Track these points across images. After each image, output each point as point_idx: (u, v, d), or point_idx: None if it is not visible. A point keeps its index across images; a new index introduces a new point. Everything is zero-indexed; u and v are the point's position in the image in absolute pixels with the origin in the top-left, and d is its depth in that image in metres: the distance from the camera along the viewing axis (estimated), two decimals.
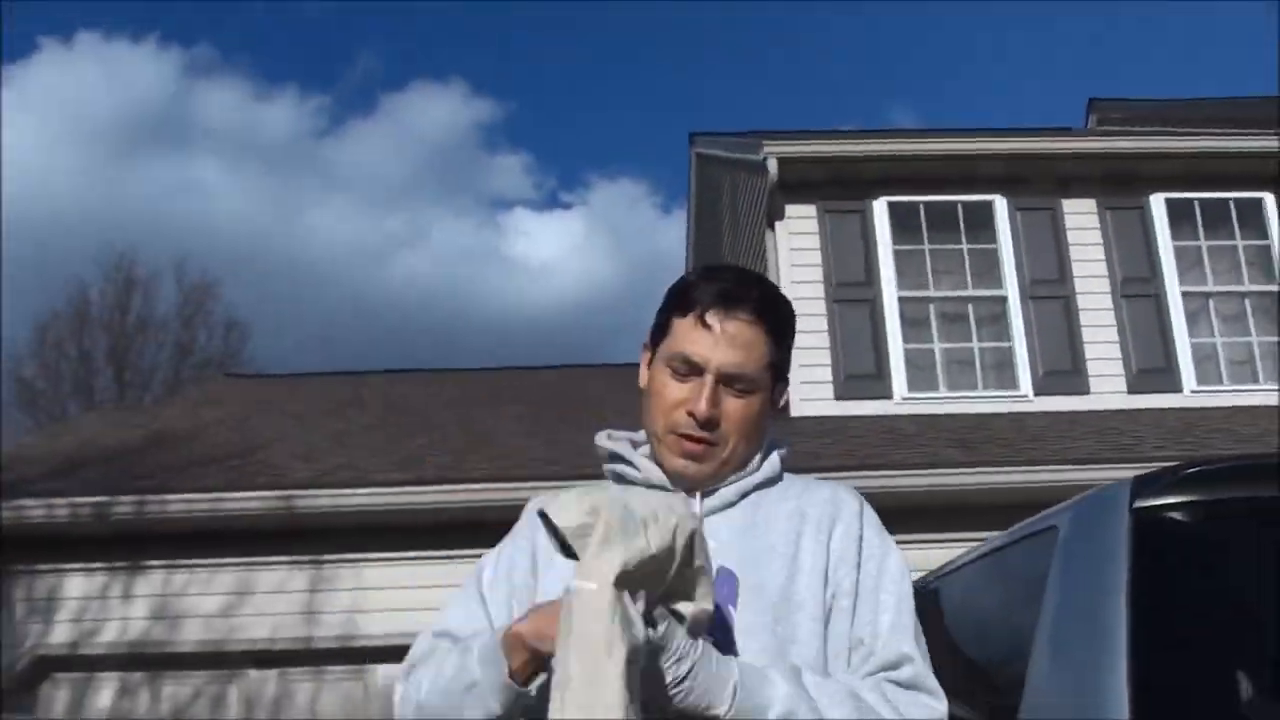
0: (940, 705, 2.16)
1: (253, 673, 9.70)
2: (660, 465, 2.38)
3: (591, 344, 57.09)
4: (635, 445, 2.48)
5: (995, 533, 8.14)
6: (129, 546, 9.56)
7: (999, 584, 3.41)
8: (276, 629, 9.47)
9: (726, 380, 2.31)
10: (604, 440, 2.51)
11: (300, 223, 60.53)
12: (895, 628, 2.22)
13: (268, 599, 9.51)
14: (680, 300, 2.38)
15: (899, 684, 2.16)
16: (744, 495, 2.35)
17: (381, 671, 9.61)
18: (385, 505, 9.34)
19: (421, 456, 10.30)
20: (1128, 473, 8.65)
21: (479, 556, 8.73)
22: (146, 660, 9.65)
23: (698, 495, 2.34)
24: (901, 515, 9.31)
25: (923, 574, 4.31)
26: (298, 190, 63.66)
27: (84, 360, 35.27)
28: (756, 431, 2.36)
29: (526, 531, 2.46)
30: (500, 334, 57.25)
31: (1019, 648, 2.85)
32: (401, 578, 9.42)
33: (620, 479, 2.43)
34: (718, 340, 2.30)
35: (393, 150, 71.70)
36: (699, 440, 2.31)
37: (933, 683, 2.18)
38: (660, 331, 2.42)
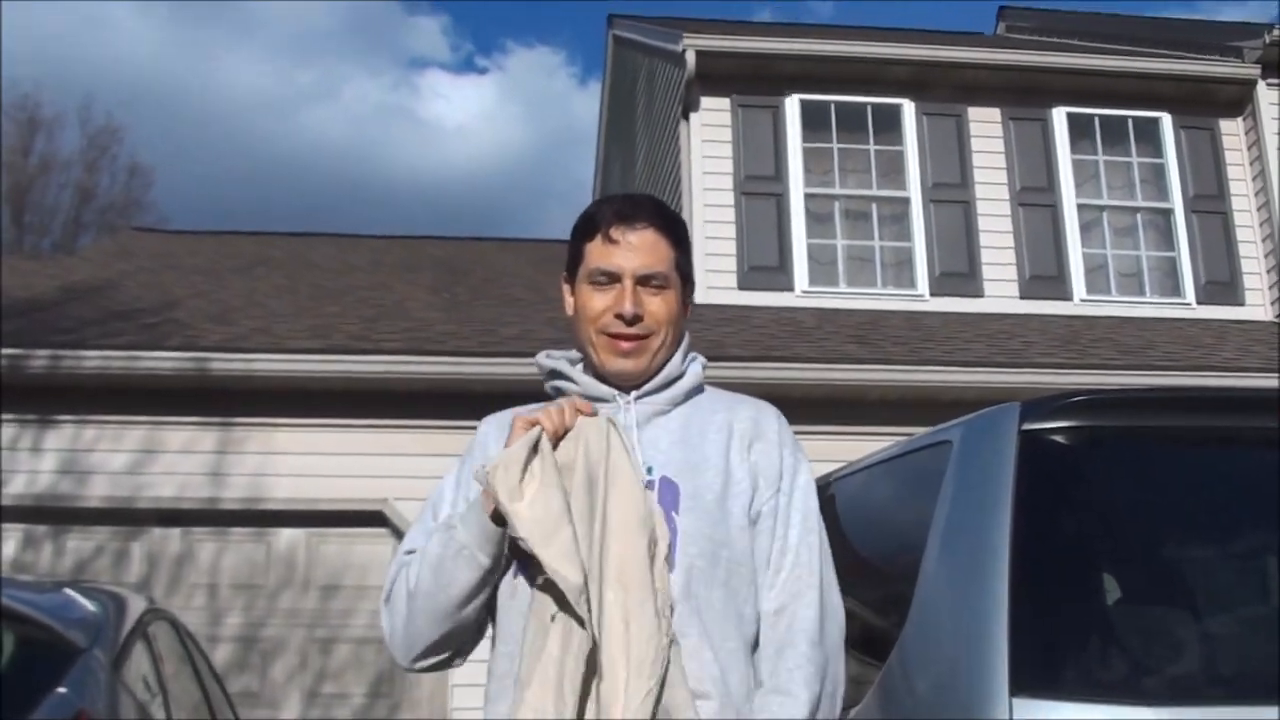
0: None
1: (157, 530, 9.84)
2: (599, 374, 2.66)
3: (502, 214, 56.82)
4: (572, 363, 2.75)
5: (889, 428, 8.56)
6: (40, 400, 9.59)
7: (897, 488, 3.69)
8: (183, 488, 9.60)
9: (642, 280, 2.61)
10: (543, 359, 2.79)
11: (211, 69, 59.39)
12: (802, 544, 2.55)
13: (175, 458, 9.62)
14: (586, 227, 2.70)
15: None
16: (676, 404, 2.64)
17: (284, 535, 9.83)
18: (296, 372, 9.46)
19: (333, 324, 10.42)
20: (1016, 377, 9.09)
21: (386, 426, 9.05)
22: (52, 514, 9.74)
23: (632, 401, 2.61)
24: (800, 407, 9.71)
25: (828, 467, 4.57)
26: (209, 35, 62.32)
27: None
28: (676, 326, 2.66)
29: (479, 452, 2.69)
30: (410, 197, 56.83)
31: (913, 546, 3.13)
32: (309, 443, 9.60)
33: (559, 393, 2.71)
34: (626, 249, 2.62)
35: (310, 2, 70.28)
36: (631, 338, 2.60)
37: (830, 597, 2.54)
38: (574, 260, 2.73)
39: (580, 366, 2.73)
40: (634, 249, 2.61)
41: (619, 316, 2.59)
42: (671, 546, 2.44)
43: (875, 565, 3.70)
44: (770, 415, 2.68)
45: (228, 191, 51.46)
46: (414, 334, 10.10)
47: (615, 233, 2.63)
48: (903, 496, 3.61)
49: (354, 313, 10.93)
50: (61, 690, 3.41)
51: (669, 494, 2.49)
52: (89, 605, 3.88)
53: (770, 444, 2.61)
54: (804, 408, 9.63)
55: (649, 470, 2.51)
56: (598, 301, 2.62)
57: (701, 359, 2.75)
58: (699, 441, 2.57)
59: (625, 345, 2.60)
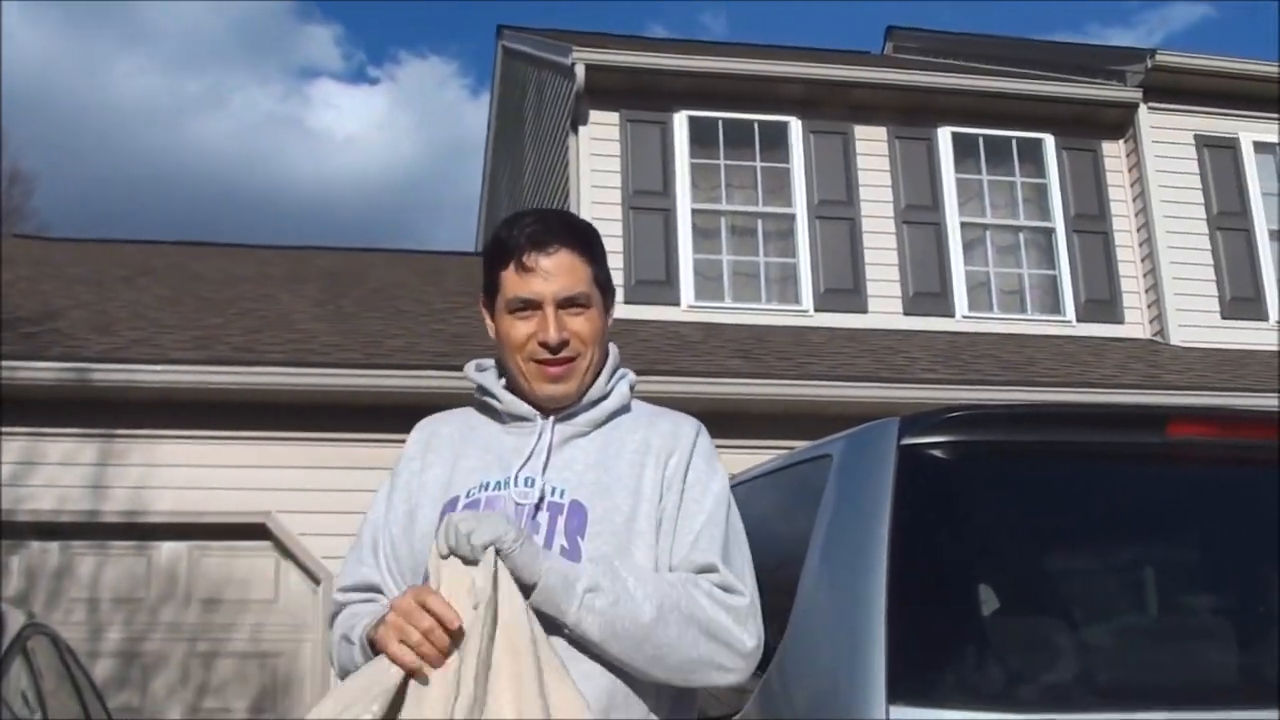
0: (743, 600, 2.47)
1: (35, 544, 9.68)
2: (529, 396, 2.64)
3: (391, 226, 56.46)
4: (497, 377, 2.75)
5: (773, 441, 8.64)
6: None
7: (778, 501, 3.74)
8: (63, 501, 9.45)
9: (563, 304, 2.58)
10: (472, 372, 2.79)
11: (97, 76, 58.46)
12: (702, 539, 2.51)
13: (55, 470, 9.47)
14: (498, 254, 2.65)
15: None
16: (596, 426, 2.63)
17: (166, 549, 9.71)
18: (180, 383, 9.38)
19: (217, 335, 10.32)
20: (899, 392, 9.25)
21: (270, 438, 8.94)
22: None
23: (551, 422, 2.61)
24: (713, 421, 9.78)
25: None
26: (97, 41, 61.36)
27: None
28: (601, 342, 2.65)
29: (405, 466, 2.72)
30: (299, 208, 56.32)
31: (793, 558, 3.19)
32: (192, 455, 9.51)
33: (485, 409, 2.72)
34: (543, 275, 2.58)
35: (200, 10, 69.44)
36: (558, 362, 2.58)
37: (740, 585, 2.49)
38: (491, 288, 2.70)
39: (503, 382, 2.72)
40: (550, 274, 2.58)
41: (543, 344, 2.57)
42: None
43: (756, 578, 3.75)
44: (688, 427, 2.68)
45: (112, 200, 50.69)
46: (298, 345, 10.04)
47: (529, 259, 2.59)
48: (784, 509, 3.66)
49: (238, 324, 10.83)
50: None
51: (576, 518, 2.50)
52: None
53: (682, 454, 2.60)
54: (714, 420, 9.74)
55: (560, 493, 2.52)
56: (520, 330, 2.60)
57: (631, 376, 2.76)
58: (614, 462, 2.57)
59: (554, 370, 2.59)
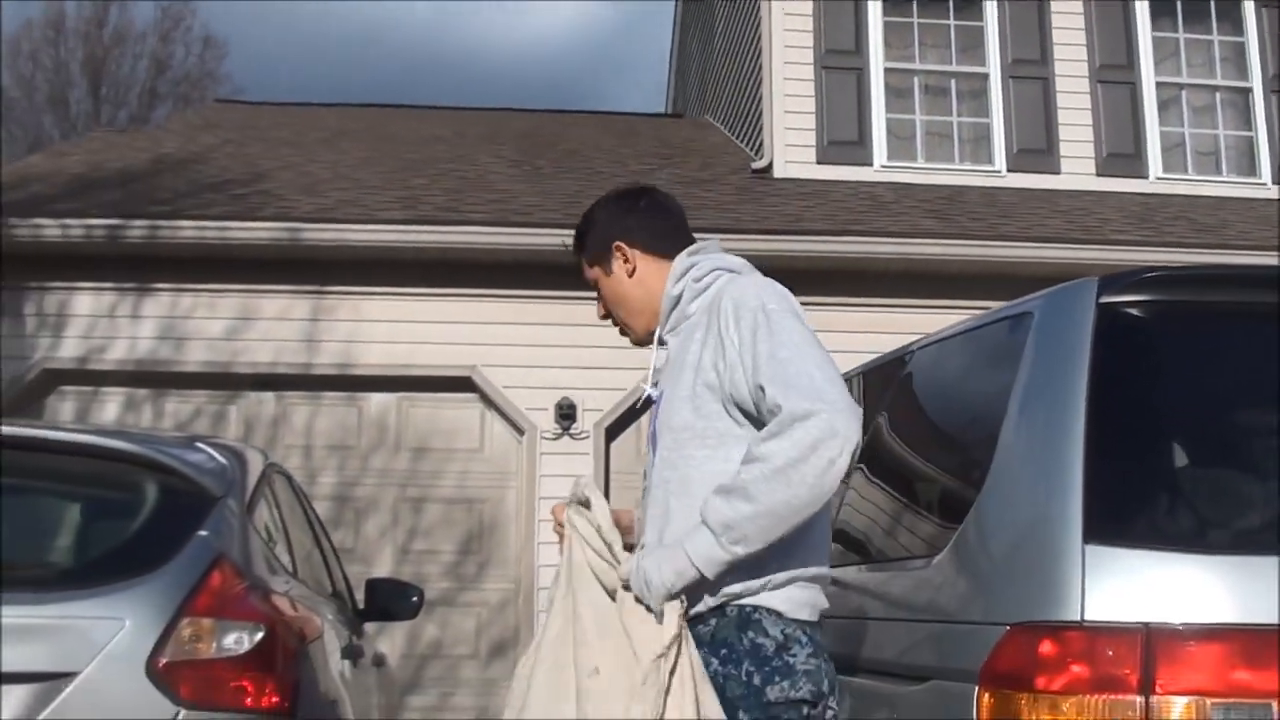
0: (780, 413, 2.74)
1: (252, 395, 10.24)
2: None
3: (583, 86, 56.40)
4: None
5: (964, 302, 8.71)
6: (138, 268, 9.95)
7: (976, 359, 3.83)
8: (278, 354, 9.98)
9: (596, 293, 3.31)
10: None
11: None
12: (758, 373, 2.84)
13: (270, 325, 9.99)
14: None
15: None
16: (671, 331, 3.16)
17: (375, 400, 10.19)
18: (386, 242, 9.78)
19: (420, 196, 10.66)
20: (1091, 253, 9.21)
21: (474, 295, 9.33)
22: (152, 378, 10.14)
23: (655, 342, 3.23)
24: (879, 280, 9.92)
25: (905, 339, 4.74)
26: None
27: (59, 71, 34.94)
28: (623, 297, 3.23)
29: None
30: (490, 70, 56.60)
31: (992, 414, 3.32)
32: (399, 311, 9.94)
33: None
34: None
35: None
36: (616, 327, 3.33)
37: (778, 399, 2.76)
38: None
39: None
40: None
41: None
42: (654, 444, 3.06)
43: (953, 432, 3.89)
44: (723, 298, 2.99)
45: (300, 64, 51.51)
46: (500, 205, 10.32)
47: None
48: (981, 366, 3.76)
49: (439, 184, 11.14)
50: (203, 534, 3.70)
51: (658, 405, 3.08)
52: (220, 458, 4.17)
53: (711, 328, 2.96)
54: (882, 281, 9.87)
55: (657, 388, 3.14)
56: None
57: (684, 282, 3.14)
58: (679, 364, 3.03)
59: (618, 332, 3.34)
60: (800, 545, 2.80)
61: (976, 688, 2.87)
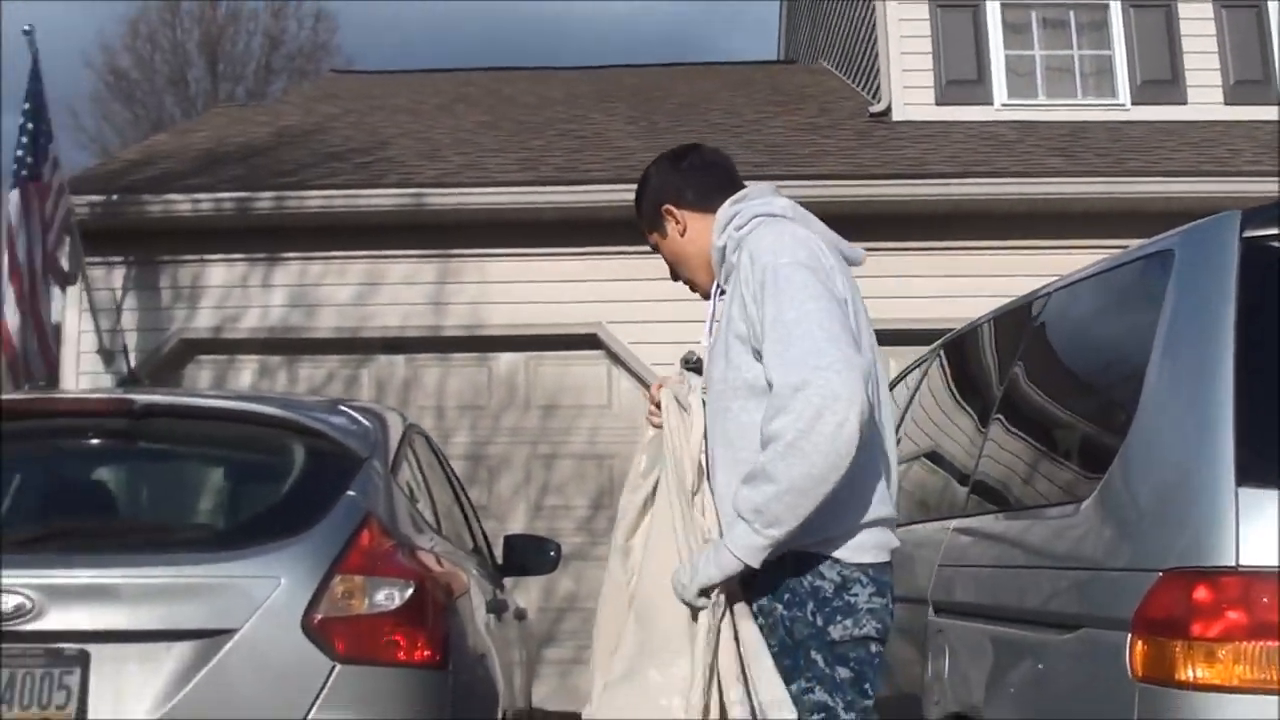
0: (776, 389, 2.87)
1: (383, 358, 10.41)
2: None
3: (692, 39, 56.07)
4: None
5: (1092, 241, 8.58)
6: (267, 238, 10.19)
7: (1114, 300, 3.73)
8: (407, 318, 10.14)
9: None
10: None
11: None
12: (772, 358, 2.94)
13: (398, 290, 10.16)
14: None
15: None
16: (725, 282, 3.27)
17: (504, 359, 10.30)
18: (508, 204, 9.89)
19: (540, 157, 10.73)
20: (1223, 186, 8.98)
21: (597, 253, 9.35)
22: (284, 345, 10.39)
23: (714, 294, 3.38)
24: (1003, 222, 9.80)
25: (1032, 282, 4.68)
26: None
27: (176, 51, 35.50)
28: (681, 256, 3.41)
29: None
30: (596, 30, 56.48)
31: (1133, 356, 3.24)
32: (523, 272, 10.04)
33: None
34: None
35: None
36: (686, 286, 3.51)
37: (772, 375, 2.90)
38: None
39: None
40: None
41: None
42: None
43: (1093, 377, 3.79)
44: (748, 242, 3.13)
45: (410, 33, 51.73)
46: (618, 162, 10.35)
47: None
48: (1121, 308, 3.67)
49: (558, 144, 11.20)
50: (351, 494, 3.78)
51: (708, 356, 3.28)
52: (363, 420, 4.27)
53: (736, 289, 3.09)
54: (1007, 222, 9.75)
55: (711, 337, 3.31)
56: None
57: (727, 233, 3.25)
58: (728, 304, 3.18)
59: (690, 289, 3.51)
60: (853, 500, 2.93)
61: (1129, 635, 2.83)
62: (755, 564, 2.85)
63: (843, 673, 2.94)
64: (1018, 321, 4.39)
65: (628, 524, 3.23)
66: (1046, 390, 4.07)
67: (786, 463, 2.76)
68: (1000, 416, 4.15)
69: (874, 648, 2.99)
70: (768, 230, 3.10)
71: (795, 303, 2.89)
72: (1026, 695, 3.37)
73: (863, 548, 2.97)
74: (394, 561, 3.70)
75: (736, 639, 2.91)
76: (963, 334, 5.11)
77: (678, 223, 3.36)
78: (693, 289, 3.48)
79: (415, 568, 3.75)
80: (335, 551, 3.60)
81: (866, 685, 2.98)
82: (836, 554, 2.94)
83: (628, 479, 3.32)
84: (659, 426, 3.26)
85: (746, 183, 3.40)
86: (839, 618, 2.93)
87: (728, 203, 3.27)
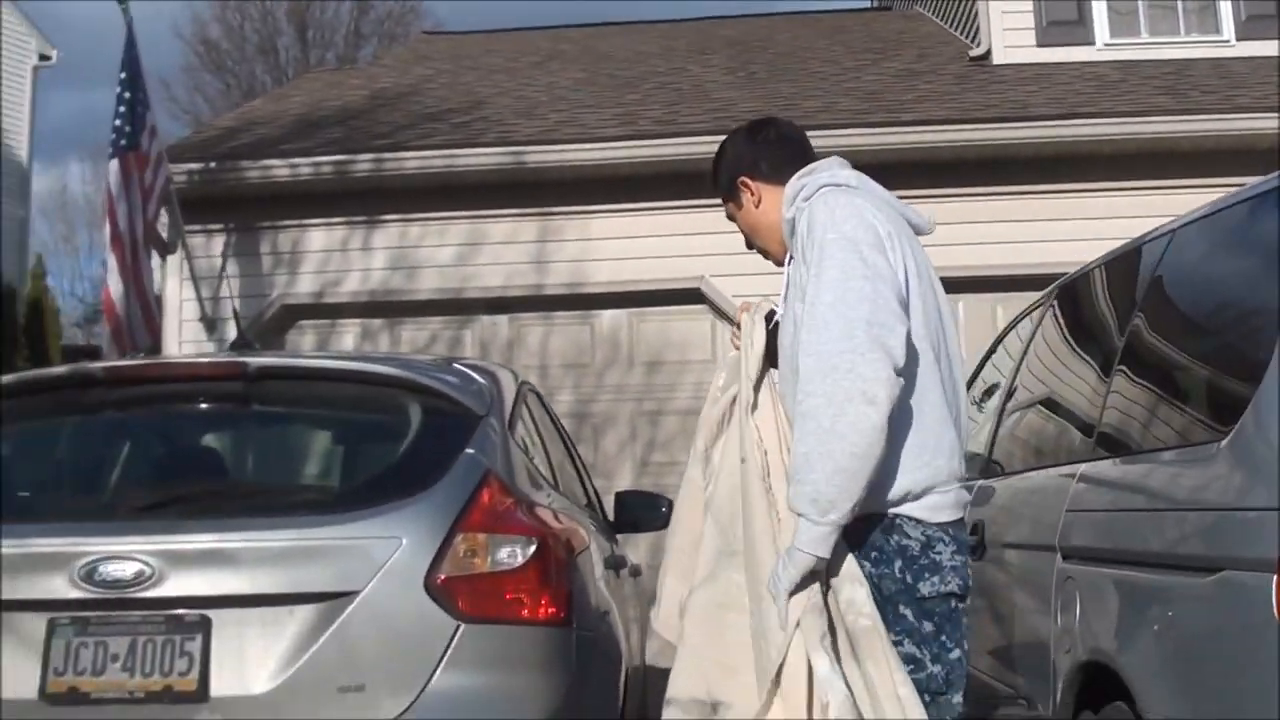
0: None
1: (485, 318, 10.42)
2: None
3: None
4: None
5: (1199, 180, 8.40)
6: (366, 201, 10.22)
7: (1242, 237, 3.59)
8: (509, 278, 10.14)
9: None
10: None
11: None
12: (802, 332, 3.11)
13: (499, 250, 10.15)
14: None
15: None
16: (793, 253, 3.35)
17: (606, 316, 10.28)
18: (607, 159, 9.83)
19: (638, 111, 10.67)
20: None
21: (698, 207, 9.30)
22: (386, 308, 10.43)
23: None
24: (1110, 163, 9.60)
25: (1142, 224, 4.55)
26: None
27: (265, 20, 35.79)
28: (755, 227, 3.57)
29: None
30: None
31: (1268, 295, 3.10)
32: (624, 228, 10.00)
33: None
34: None
35: None
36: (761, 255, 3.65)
37: (815, 356, 3.02)
38: None
39: None
40: None
41: None
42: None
43: (1222, 319, 3.63)
44: (804, 215, 3.24)
45: None
46: (717, 114, 10.26)
47: None
48: (1250, 246, 3.54)
49: (656, 98, 11.13)
50: (469, 452, 3.76)
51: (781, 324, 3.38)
52: (479, 378, 4.25)
53: (806, 244, 3.18)
54: (1113, 164, 9.56)
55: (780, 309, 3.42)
56: None
57: (796, 204, 3.32)
58: (795, 273, 3.29)
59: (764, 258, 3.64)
60: (924, 460, 3.10)
61: (1276, 577, 2.76)
62: (825, 553, 2.96)
63: (928, 627, 3.10)
64: (1141, 264, 4.26)
65: (707, 433, 3.50)
66: (1174, 333, 3.95)
67: (825, 446, 2.91)
68: (1126, 361, 4.05)
69: (955, 603, 3.15)
70: (824, 201, 3.20)
71: (832, 284, 3.03)
72: (1164, 639, 3.28)
73: (941, 508, 3.14)
74: (516, 519, 3.68)
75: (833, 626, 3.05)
76: (1082, 276, 4.98)
77: (752, 194, 3.52)
78: (766, 257, 3.62)
79: (537, 525, 3.73)
80: (456, 510, 3.58)
81: (946, 639, 3.13)
82: (918, 515, 3.11)
83: (709, 393, 3.57)
84: (738, 348, 3.46)
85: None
86: (927, 575, 3.10)
87: (796, 176, 3.37)
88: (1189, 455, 3.37)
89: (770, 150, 3.53)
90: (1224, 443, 3.11)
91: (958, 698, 3.15)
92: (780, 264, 3.51)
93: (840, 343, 2.95)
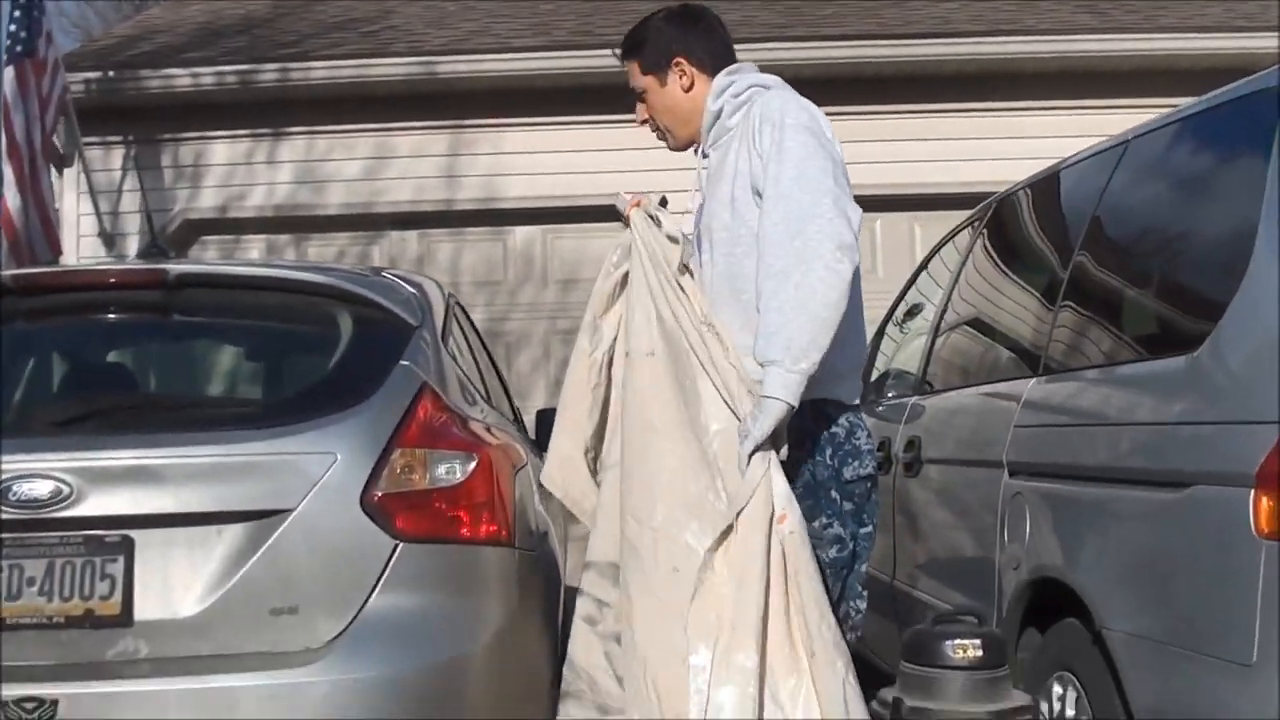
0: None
1: (394, 233, 10.18)
2: None
3: None
4: None
5: (1123, 100, 8.35)
6: (271, 113, 9.89)
7: (1206, 144, 3.50)
8: (419, 192, 9.89)
9: (638, 98, 3.72)
10: None
11: None
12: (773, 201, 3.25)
13: (408, 164, 9.89)
14: None
15: None
16: (713, 145, 3.54)
17: (519, 233, 10.08)
18: (521, 70, 9.57)
19: (553, 21, 10.41)
20: (1262, 41, 8.65)
21: (614, 122, 9.07)
22: (292, 222, 10.14)
23: (699, 154, 3.66)
24: (1032, 81, 9.53)
25: (1069, 144, 4.47)
26: None
27: None
28: (674, 108, 3.62)
29: None
30: None
31: (1241, 200, 3.03)
32: (539, 143, 9.74)
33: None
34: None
35: None
36: (655, 132, 3.75)
37: (785, 224, 3.19)
38: None
39: None
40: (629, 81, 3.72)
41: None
42: (698, 245, 3.54)
43: (1193, 226, 3.44)
44: (757, 105, 3.39)
45: None
46: (635, 23, 10.00)
47: None
48: (1217, 153, 3.43)
49: (571, 8, 10.86)
50: (404, 363, 3.58)
51: (701, 211, 3.56)
52: (408, 287, 4.06)
53: (755, 138, 3.31)
54: (1036, 83, 9.48)
55: (702, 193, 3.57)
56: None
57: (724, 98, 3.50)
58: (721, 164, 3.45)
59: (656, 138, 3.77)
60: (848, 338, 3.27)
61: (1252, 491, 2.68)
62: (794, 401, 3.10)
63: (848, 506, 3.38)
64: (1094, 173, 4.14)
65: (598, 305, 3.62)
66: (1133, 243, 3.86)
67: (799, 295, 3.09)
68: (1079, 274, 3.94)
69: (869, 485, 3.44)
70: (775, 95, 3.39)
71: (797, 161, 3.20)
72: (1125, 555, 3.22)
73: (855, 392, 3.48)
74: (454, 434, 3.53)
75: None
76: (1026, 188, 4.86)
77: (684, 76, 3.58)
78: (662, 138, 3.73)
79: (475, 440, 3.58)
80: (393, 424, 3.41)
81: (865, 516, 3.44)
82: (841, 398, 3.38)
83: (602, 268, 3.66)
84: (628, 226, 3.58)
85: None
86: (850, 460, 3.37)
87: (724, 72, 3.53)
88: (1153, 369, 3.28)
89: (706, 39, 3.62)
90: (1196, 353, 3.02)
91: (864, 566, 3.46)
92: (678, 149, 3.72)
93: (808, 209, 3.14)
